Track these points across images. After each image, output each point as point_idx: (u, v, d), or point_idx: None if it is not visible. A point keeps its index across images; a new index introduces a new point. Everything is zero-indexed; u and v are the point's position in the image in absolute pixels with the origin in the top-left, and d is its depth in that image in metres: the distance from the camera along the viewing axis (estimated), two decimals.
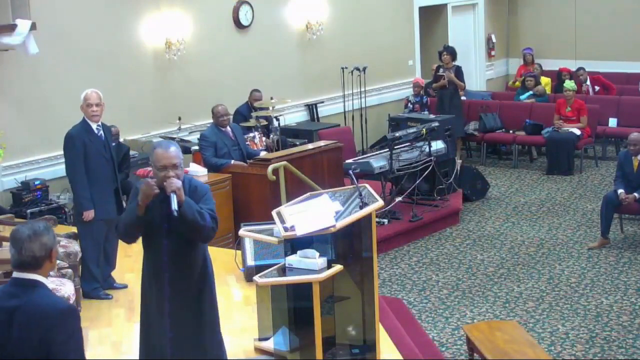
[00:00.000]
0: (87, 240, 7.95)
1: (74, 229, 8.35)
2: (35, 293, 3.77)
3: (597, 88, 15.80)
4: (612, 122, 14.72)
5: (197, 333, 5.31)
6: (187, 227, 5.08)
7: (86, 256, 7.97)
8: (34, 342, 3.69)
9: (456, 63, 14.40)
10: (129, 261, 8.89)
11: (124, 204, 8.16)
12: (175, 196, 4.97)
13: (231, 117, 10.86)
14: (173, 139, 11.50)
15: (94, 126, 7.87)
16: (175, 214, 4.94)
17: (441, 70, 14.36)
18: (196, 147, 10.89)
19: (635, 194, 10.19)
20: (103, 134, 7.95)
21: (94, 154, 7.84)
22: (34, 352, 3.71)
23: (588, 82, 15.79)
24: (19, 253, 3.79)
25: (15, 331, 3.73)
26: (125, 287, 8.26)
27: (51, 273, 6.80)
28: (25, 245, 3.78)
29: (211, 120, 10.77)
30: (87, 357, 3.95)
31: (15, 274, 3.83)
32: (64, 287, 6.77)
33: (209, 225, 5.12)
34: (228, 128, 10.54)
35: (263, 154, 10.59)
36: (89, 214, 7.81)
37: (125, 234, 5.26)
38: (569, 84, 14.35)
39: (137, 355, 6.18)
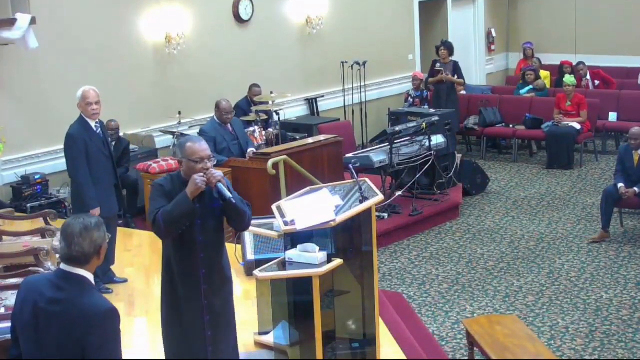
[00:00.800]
0: None
1: None
2: (80, 290, 3.80)
3: (597, 82, 15.77)
4: (612, 116, 14.70)
5: (227, 333, 5.33)
6: (238, 214, 5.12)
7: None
8: (72, 339, 3.72)
9: (455, 58, 14.37)
10: (129, 255, 8.89)
11: (125, 198, 8.18)
12: (222, 185, 5.01)
13: (234, 113, 10.84)
14: (173, 133, 11.51)
15: (92, 124, 7.84)
16: (234, 200, 5.00)
17: (438, 65, 14.32)
18: None
19: (636, 189, 10.18)
20: (101, 131, 7.94)
21: (94, 152, 7.82)
22: (71, 350, 3.73)
23: (588, 77, 15.76)
24: (68, 248, 3.82)
25: (54, 326, 3.77)
26: (125, 281, 8.25)
27: (51, 268, 6.82)
28: (76, 241, 3.81)
29: (211, 114, 10.75)
30: None
31: (63, 267, 3.85)
32: None
33: (249, 212, 5.21)
34: (228, 124, 10.53)
35: (250, 150, 10.54)
36: (95, 212, 7.78)
37: (173, 227, 4.96)
38: (569, 78, 14.33)
39: (137, 349, 6.18)
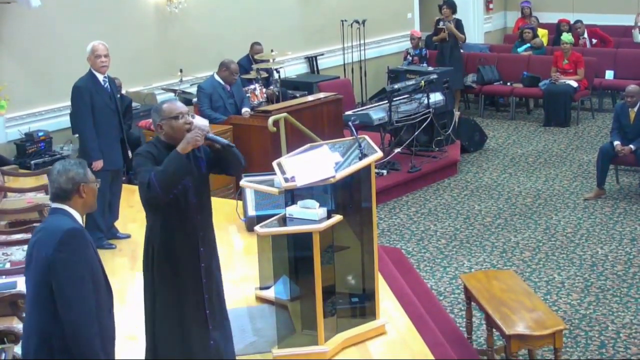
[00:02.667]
0: None
1: None
2: (56, 217, 3.97)
3: (594, 41, 15.67)
4: (609, 74, 14.62)
5: (222, 309, 5.23)
6: (236, 157, 5.02)
7: None
8: (41, 260, 3.87)
9: (456, 16, 14.35)
10: (132, 211, 8.87)
11: (130, 154, 8.16)
12: (213, 135, 4.93)
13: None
14: (175, 91, 11.47)
15: (100, 78, 7.82)
16: (234, 147, 4.92)
17: (441, 23, 14.30)
18: (196, 99, 10.83)
19: (631, 146, 10.14)
20: (109, 86, 7.90)
21: (101, 105, 7.80)
22: (41, 271, 3.87)
23: (585, 35, 15.66)
24: (50, 186, 4.04)
25: (34, 251, 3.96)
26: (128, 236, 8.25)
27: None
28: (54, 178, 4.00)
29: (211, 72, 10.67)
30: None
31: (51, 204, 4.06)
32: None
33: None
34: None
35: (245, 109, 10.46)
36: (98, 164, 7.77)
37: (170, 186, 4.74)
38: (567, 36, 14.25)
39: (140, 304, 6.16)
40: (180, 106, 4.99)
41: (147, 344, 5.17)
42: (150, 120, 10.53)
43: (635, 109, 10.22)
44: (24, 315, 4.49)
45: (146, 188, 4.73)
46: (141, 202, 4.99)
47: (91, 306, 3.88)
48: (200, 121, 5.11)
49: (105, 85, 7.86)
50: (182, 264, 4.98)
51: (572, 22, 15.80)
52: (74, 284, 3.83)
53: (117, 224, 8.30)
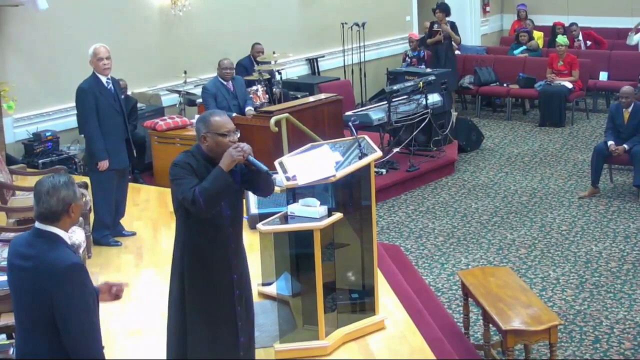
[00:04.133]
0: (99, 189, 7.93)
1: (85, 179, 8.33)
2: (48, 246, 3.72)
3: (589, 43, 15.66)
4: (603, 75, 14.61)
5: (252, 317, 5.11)
6: (268, 183, 4.93)
7: (98, 205, 7.97)
8: (41, 294, 3.67)
9: (452, 19, 14.36)
10: (137, 209, 8.88)
11: (134, 154, 8.17)
12: (253, 158, 4.73)
13: (234, 71, 10.73)
14: (179, 92, 11.47)
15: (104, 79, 7.81)
16: (270, 173, 4.78)
17: (435, 26, 14.29)
18: (201, 100, 10.82)
19: (625, 145, 10.14)
20: (113, 87, 7.89)
21: (105, 106, 7.80)
22: (40, 303, 3.69)
23: (580, 38, 15.65)
24: (37, 205, 3.77)
25: (25, 280, 3.73)
26: (133, 234, 8.25)
27: None
28: (44, 198, 3.74)
29: (214, 74, 10.68)
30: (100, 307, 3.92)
31: (36, 224, 3.79)
32: (75, 235, 6.74)
33: None
34: (230, 82, 10.45)
35: (248, 109, 10.45)
36: (104, 164, 7.78)
37: (214, 203, 4.62)
38: (562, 39, 14.25)
39: (145, 299, 6.18)
40: (229, 123, 4.79)
41: (172, 347, 5.00)
42: (155, 120, 10.57)
43: (629, 109, 10.22)
44: None
45: (190, 204, 4.56)
46: (174, 211, 4.86)
47: (98, 333, 3.79)
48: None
49: (109, 87, 7.85)
50: (215, 274, 4.85)
51: (567, 24, 15.78)
52: (80, 313, 3.68)
53: (123, 222, 8.30)
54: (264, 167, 4.78)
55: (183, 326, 4.88)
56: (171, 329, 4.97)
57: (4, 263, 4.08)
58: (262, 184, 4.94)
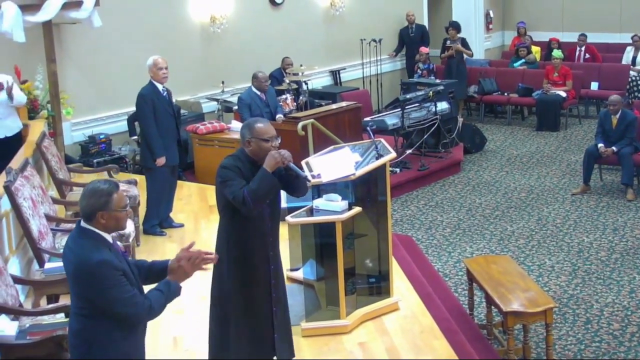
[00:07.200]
0: (154, 184, 7.97)
1: (134, 176, 8.37)
2: (82, 242, 3.69)
3: (587, 55, 15.57)
4: (594, 85, 14.50)
5: (286, 309, 5.07)
6: (304, 187, 4.87)
7: (151, 198, 8.01)
8: (75, 283, 3.68)
9: (461, 35, 14.35)
10: (180, 203, 8.91)
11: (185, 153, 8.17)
12: (293, 164, 4.69)
13: (269, 82, 10.71)
14: (217, 100, 11.49)
15: (160, 87, 7.82)
16: (312, 177, 4.72)
17: (448, 42, 14.28)
18: (237, 107, 10.83)
19: (614, 148, 10.06)
20: (167, 94, 7.92)
21: (161, 110, 7.80)
22: (77, 289, 3.69)
23: (583, 48, 15.57)
24: (79, 204, 3.77)
25: (68, 269, 3.75)
26: (182, 226, 8.27)
27: None
28: (80, 199, 3.74)
29: (249, 84, 10.68)
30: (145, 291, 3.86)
31: (80, 221, 3.78)
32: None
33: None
34: (264, 92, 10.45)
35: (279, 116, 10.42)
36: (161, 160, 7.81)
37: (261, 202, 4.60)
38: (557, 52, 14.18)
39: (185, 283, 6.15)
40: (272, 130, 4.75)
41: (214, 340, 4.93)
42: (196, 125, 10.58)
43: (617, 115, 10.14)
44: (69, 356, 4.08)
45: (241, 204, 4.53)
46: (220, 210, 4.78)
47: (139, 297, 3.71)
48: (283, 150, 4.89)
49: (164, 94, 7.87)
50: (255, 265, 4.80)
51: (561, 40, 15.68)
52: (115, 287, 3.61)
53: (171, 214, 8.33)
54: (302, 173, 4.78)
55: (225, 311, 4.82)
56: (217, 317, 4.89)
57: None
58: (298, 188, 4.87)
